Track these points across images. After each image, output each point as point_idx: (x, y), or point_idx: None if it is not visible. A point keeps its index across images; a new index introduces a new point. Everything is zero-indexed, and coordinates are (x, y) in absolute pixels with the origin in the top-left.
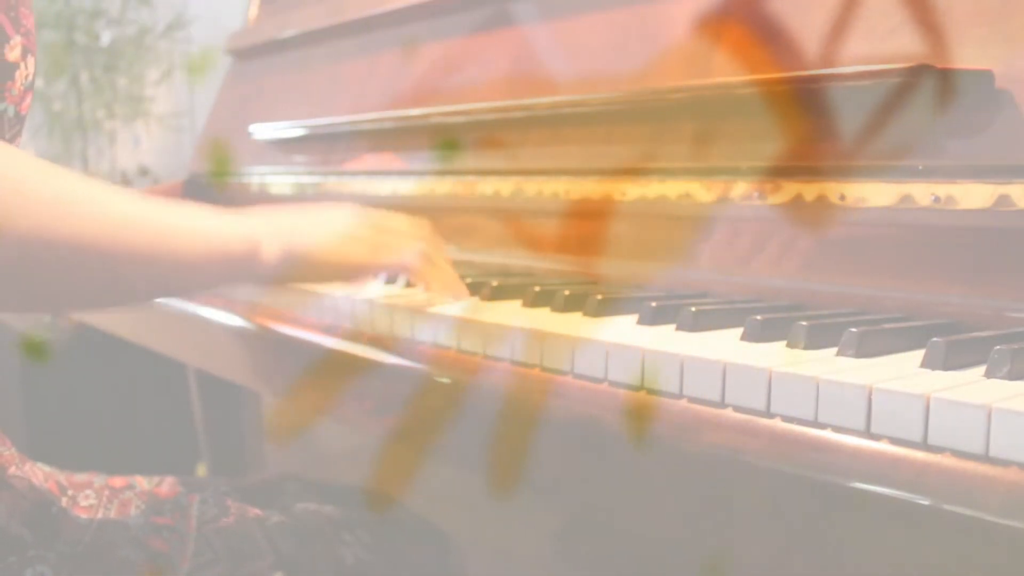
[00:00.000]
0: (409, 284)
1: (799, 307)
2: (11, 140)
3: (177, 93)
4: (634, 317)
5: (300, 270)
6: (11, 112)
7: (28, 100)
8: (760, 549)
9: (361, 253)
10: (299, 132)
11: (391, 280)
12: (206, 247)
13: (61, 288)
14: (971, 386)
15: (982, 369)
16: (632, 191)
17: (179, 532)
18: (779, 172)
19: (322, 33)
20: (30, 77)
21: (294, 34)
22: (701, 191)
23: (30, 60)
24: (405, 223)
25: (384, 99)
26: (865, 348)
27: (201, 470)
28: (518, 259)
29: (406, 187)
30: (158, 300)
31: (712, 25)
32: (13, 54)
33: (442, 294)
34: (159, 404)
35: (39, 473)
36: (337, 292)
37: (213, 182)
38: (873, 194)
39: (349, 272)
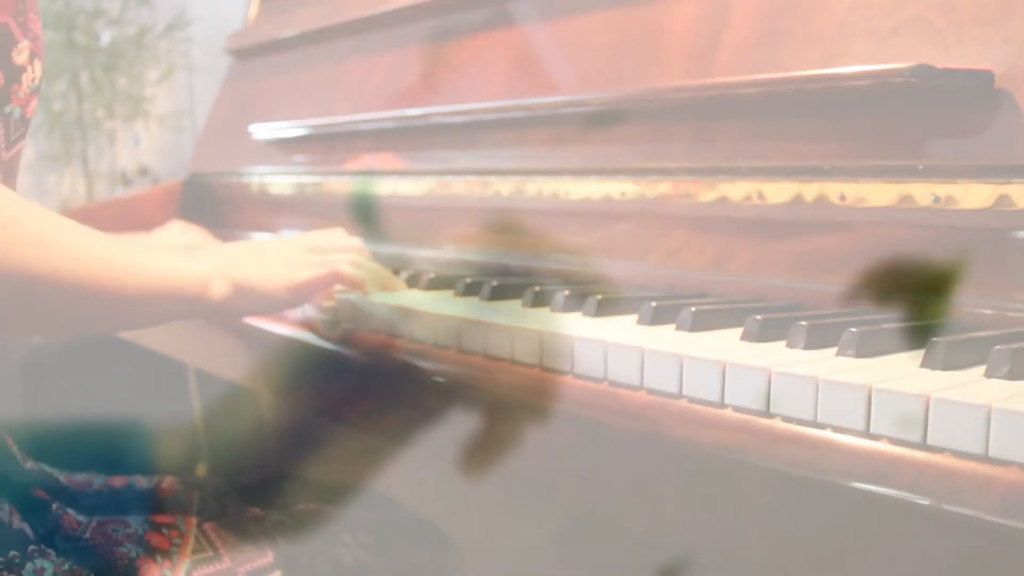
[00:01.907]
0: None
1: (799, 307)
2: (15, 142)
3: (177, 93)
4: (634, 317)
5: (248, 302)
6: (17, 115)
7: (34, 104)
8: (760, 549)
9: (300, 276)
10: (299, 132)
11: None
12: (164, 287)
13: (32, 320)
14: (971, 386)
15: (982, 369)
16: (631, 191)
17: (178, 530)
18: (779, 172)
19: (322, 33)
20: (36, 81)
21: (294, 34)
22: (701, 191)
23: (37, 64)
24: (330, 238)
25: (384, 99)
26: (865, 348)
27: (201, 470)
28: (518, 259)
29: (406, 187)
30: None
31: (710, 25)
32: (21, 58)
33: (379, 291)
34: (159, 404)
35: (39, 472)
36: None
37: (213, 182)
38: (873, 194)
39: (292, 295)
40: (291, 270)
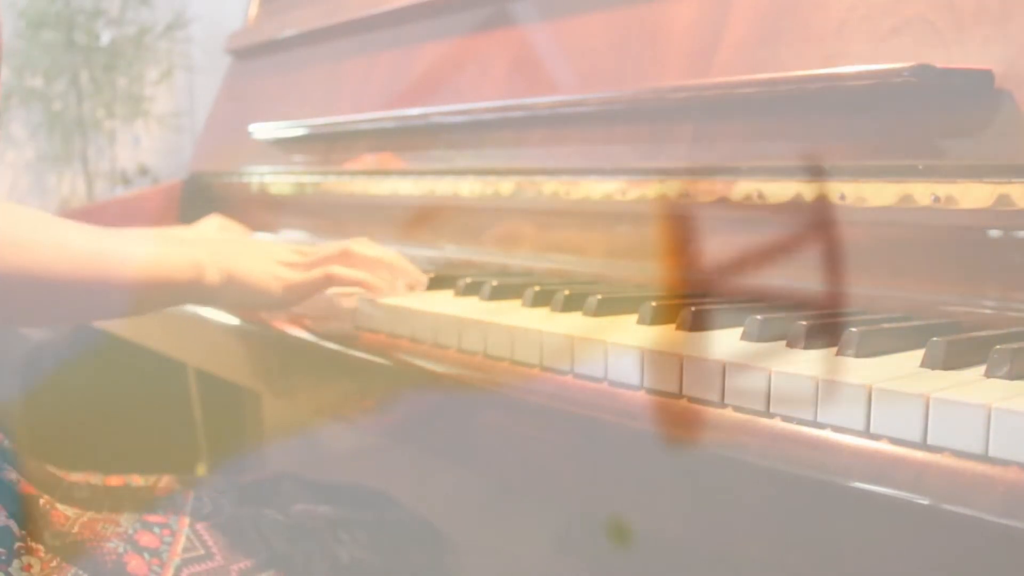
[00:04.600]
0: None
1: (799, 307)
2: None
3: (177, 93)
4: (634, 317)
5: (241, 293)
6: None
7: None
8: (760, 549)
9: (295, 276)
10: (299, 132)
11: None
12: (156, 275)
13: (25, 313)
14: (971, 386)
15: (982, 369)
16: (632, 191)
17: (170, 528)
18: (779, 172)
19: (322, 33)
20: None
21: (294, 34)
22: (701, 191)
23: None
24: (328, 247)
25: (384, 99)
26: (865, 348)
27: (200, 470)
28: (518, 259)
29: (406, 187)
30: None
31: (710, 26)
32: None
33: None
34: (159, 404)
35: (32, 466)
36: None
37: (213, 182)
38: (873, 194)
39: (286, 294)
40: (286, 269)
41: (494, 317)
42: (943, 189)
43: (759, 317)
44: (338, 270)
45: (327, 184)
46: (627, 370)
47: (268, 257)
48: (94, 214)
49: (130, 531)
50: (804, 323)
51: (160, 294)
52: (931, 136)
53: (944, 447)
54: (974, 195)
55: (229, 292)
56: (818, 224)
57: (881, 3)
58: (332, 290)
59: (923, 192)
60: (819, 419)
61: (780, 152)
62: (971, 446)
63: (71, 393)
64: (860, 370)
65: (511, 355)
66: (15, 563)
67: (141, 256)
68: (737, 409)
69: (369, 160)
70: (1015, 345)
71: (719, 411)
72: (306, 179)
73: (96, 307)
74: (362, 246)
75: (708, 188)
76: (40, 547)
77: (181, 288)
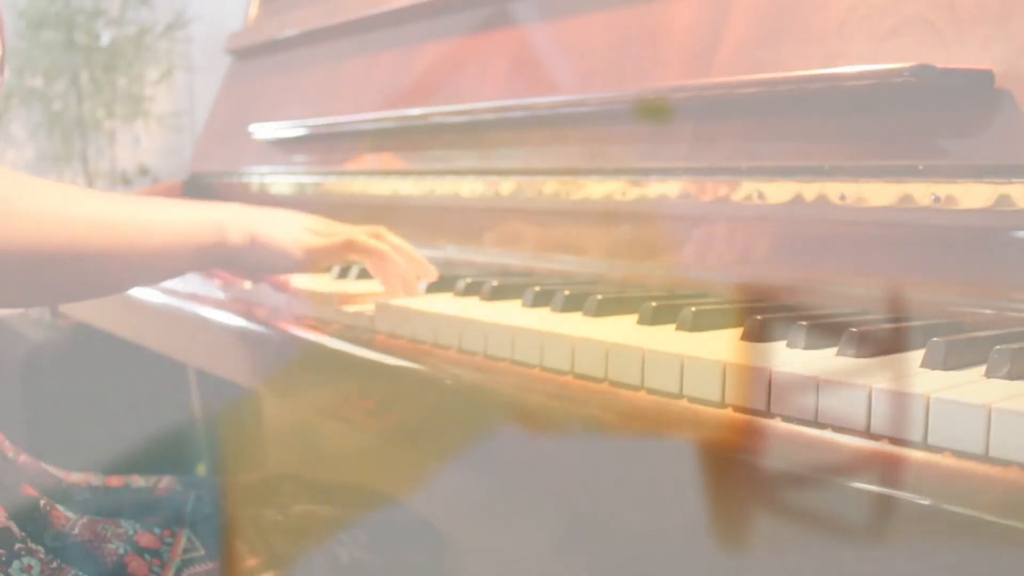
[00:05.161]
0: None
1: (799, 307)
2: None
3: (177, 93)
4: (634, 317)
5: (263, 256)
6: None
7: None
8: (760, 549)
9: (316, 240)
10: (299, 132)
11: (342, 274)
12: (179, 239)
13: (49, 287)
14: (971, 386)
15: (982, 369)
16: (632, 191)
17: (171, 529)
18: (779, 172)
19: (322, 33)
20: None
21: (294, 34)
22: (701, 191)
23: None
24: (355, 227)
25: (384, 99)
26: (865, 348)
27: (201, 470)
28: (518, 259)
29: (406, 187)
30: (159, 301)
31: (710, 25)
32: None
33: (392, 287)
34: (159, 404)
35: (33, 467)
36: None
37: (213, 182)
38: (873, 194)
39: (306, 257)
40: (308, 235)
41: (494, 317)
42: (943, 189)
43: (760, 317)
44: (360, 238)
45: (327, 184)
46: (627, 370)
47: (291, 222)
48: None
49: (130, 532)
50: (804, 323)
51: (185, 258)
52: (931, 136)
53: (944, 447)
54: (974, 195)
55: (252, 254)
56: (817, 224)
57: (881, 3)
58: (337, 288)
59: (923, 192)
60: (819, 419)
61: (780, 152)
62: (971, 446)
63: (71, 393)
64: (860, 370)
65: (511, 355)
66: (15, 564)
67: (165, 221)
68: (737, 409)
69: (369, 160)
70: (1015, 345)
71: (719, 411)
72: (306, 179)
73: (121, 277)
74: (384, 232)
75: (708, 188)
76: (40, 548)
77: (205, 250)
